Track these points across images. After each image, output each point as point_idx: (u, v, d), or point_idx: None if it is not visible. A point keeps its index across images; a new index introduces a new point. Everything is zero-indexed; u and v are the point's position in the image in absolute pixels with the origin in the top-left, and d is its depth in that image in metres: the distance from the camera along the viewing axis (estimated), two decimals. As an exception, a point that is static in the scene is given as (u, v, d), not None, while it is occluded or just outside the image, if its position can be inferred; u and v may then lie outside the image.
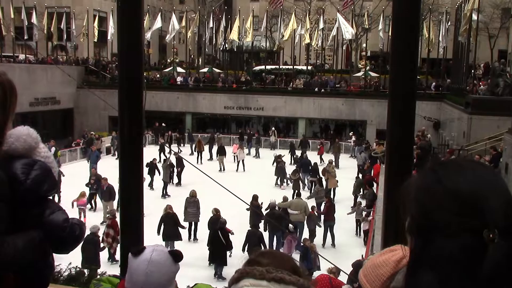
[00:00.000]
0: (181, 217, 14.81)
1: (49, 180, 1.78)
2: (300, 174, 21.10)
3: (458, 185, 0.92)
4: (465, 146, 20.55)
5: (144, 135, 25.48)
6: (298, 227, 14.81)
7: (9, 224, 1.68)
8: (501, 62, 24.31)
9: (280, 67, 37.23)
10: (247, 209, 14.18)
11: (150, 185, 20.64)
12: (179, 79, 36.35)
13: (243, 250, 12.87)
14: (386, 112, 2.88)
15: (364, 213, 16.21)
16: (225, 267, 12.72)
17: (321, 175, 20.45)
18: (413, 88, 2.92)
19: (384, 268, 1.15)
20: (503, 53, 39.96)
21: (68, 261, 6.29)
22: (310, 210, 15.36)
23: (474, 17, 24.32)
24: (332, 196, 18.74)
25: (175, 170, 21.55)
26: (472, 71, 27.24)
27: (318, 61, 44.42)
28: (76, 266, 6.56)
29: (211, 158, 27.57)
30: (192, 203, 15.29)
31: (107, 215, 14.29)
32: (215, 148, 27.41)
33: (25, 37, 36.51)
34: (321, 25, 34.84)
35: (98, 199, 18.36)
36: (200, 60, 44.48)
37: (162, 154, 25.30)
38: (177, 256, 1.96)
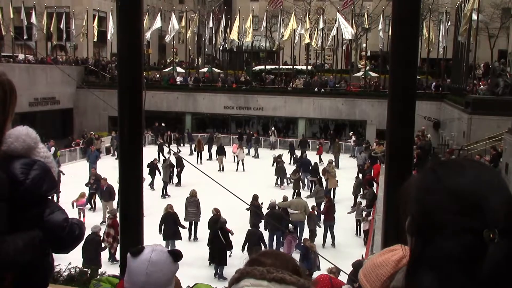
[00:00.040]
0: (181, 216, 14.83)
1: (48, 180, 1.78)
2: (300, 174, 21.11)
3: (458, 185, 0.92)
4: (465, 146, 20.56)
5: (144, 135, 25.51)
6: (298, 226, 14.83)
7: (9, 224, 1.68)
8: (501, 62, 24.28)
9: (280, 67, 37.23)
10: (247, 209, 14.19)
11: (151, 185, 20.65)
12: (178, 79, 36.35)
13: (243, 249, 12.88)
14: (386, 112, 2.88)
15: (364, 213, 16.21)
16: (226, 267, 12.73)
17: (321, 175, 20.46)
18: (413, 88, 2.92)
19: (384, 268, 1.15)
20: (503, 53, 39.99)
21: (68, 261, 6.28)
22: (311, 210, 15.38)
23: (474, 17, 24.32)
24: (332, 196, 18.74)
25: (175, 170, 21.56)
26: (472, 71, 27.25)
27: (318, 61, 44.43)
28: (76, 266, 6.55)
29: (210, 158, 27.59)
30: (192, 202, 15.32)
31: (108, 215, 14.30)
32: (214, 148, 27.42)
33: (25, 37, 36.50)
34: (321, 25, 34.83)
35: (97, 199, 18.35)
36: (199, 60, 44.47)
37: (160, 154, 25.28)
38: (176, 256, 1.96)
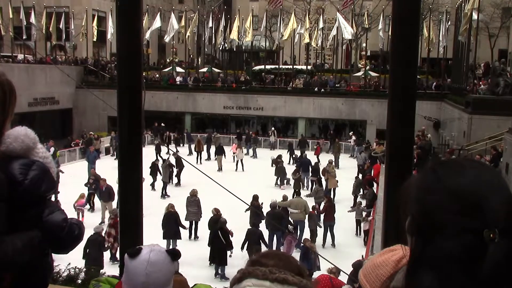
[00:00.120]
0: (182, 216, 14.85)
1: (47, 180, 1.78)
2: (300, 174, 21.12)
3: (459, 185, 0.92)
4: (466, 146, 20.56)
5: (144, 135, 25.48)
6: (298, 226, 14.84)
7: (7, 225, 1.68)
8: (501, 61, 24.27)
9: (280, 66, 37.23)
10: (246, 210, 14.20)
11: (152, 185, 20.66)
12: (178, 79, 36.34)
13: (242, 248, 12.90)
14: (386, 112, 2.87)
15: (364, 213, 16.21)
16: (227, 267, 12.73)
17: (321, 175, 20.46)
18: (413, 88, 2.92)
19: (384, 268, 1.15)
20: (504, 52, 39.98)
21: (67, 261, 6.27)
22: (311, 210, 15.38)
23: (475, 16, 24.32)
24: (332, 196, 18.74)
25: (174, 170, 21.56)
26: (473, 70, 27.24)
27: (318, 60, 44.44)
28: (75, 267, 6.54)
29: (208, 158, 27.59)
30: (193, 202, 15.34)
31: (110, 215, 14.32)
32: (212, 148, 27.41)
33: (24, 37, 36.48)
34: (321, 25, 34.83)
35: (96, 199, 18.35)
36: (199, 60, 44.48)
37: (158, 154, 25.17)
38: (175, 255, 1.95)
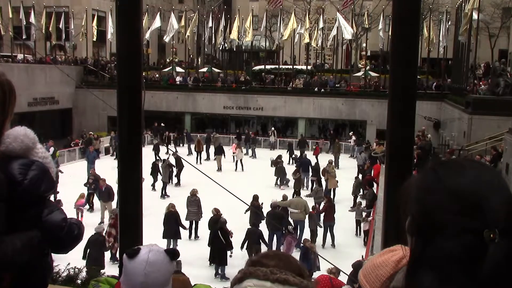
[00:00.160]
0: (183, 216, 14.85)
1: (46, 180, 1.78)
2: (301, 174, 21.11)
3: (459, 185, 0.92)
4: (466, 146, 20.56)
5: (143, 135, 25.46)
6: (298, 225, 14.84)
7: (7, 225, 1.67)
8: (501, 61, 24.27)
9: (280, 66, 37.22)
10: (246, 211, 14.19)
11: (153, 185, 20.66)
12: (178, 79, 36.33)
13: (242, 247, 12.90)
14: (386, 112, 2.87)
15: (364, 214, 16.21)
16: (227, 267, 12.74)
17: (321, 175, 20.45)
18: (413, 88, 2.92)
19: (384, 269, 1.15)
20: (504, 52, 39.98)
21: (67, 261, 6.27)
22: (311, 210, 15.38)
23: (475, 16, 24.31)
24: (332, 197, 18.74)
25: (174, 170, 21.56)
26: (473, 71, 27.24)
27: (318, 60, 44.43)
28: (75, 267, 6.53)
29: (208, 158, 27.59)
30: (193, 201, 15.35)
31: (110, 215, 14.32)
32: (211, 148, 27.39)
33: (24, 37, 36.46)
34: (321, 25, 34.82)
35: (95, 199, 18.34)
36: (199, 59, 44.46)
37: (157, 154, 25.11)
38: (173, 255, 1.95)
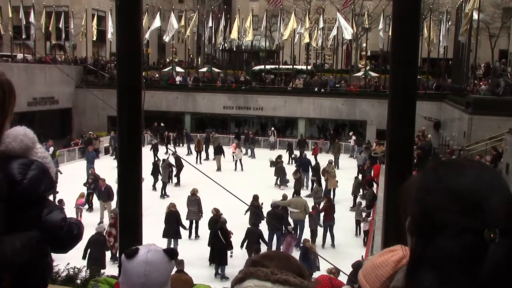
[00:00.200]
0: (183, 216, 14.86)
1: (46, 180, 1.78)
2: (301, 174, 21.11)
3: (459, 185, 0.92)
4: (466, 146, 20.56)
5: (143, 135, 25.45)
6: (298, 225, 14.83)
7: (6, 225, 1.67)
8: (502, 62, 24.27)
9: (280, 66, 37.22)
10: (246, 211, 14.19)
11: (153, 185, 20.66)
12: (178, 78, 36.32)
13: (241, 246, 12.90)
14: (386, 112, 2.87)
15: (364, 214, 16.21)
16: (227, 267, 12.74)
17: (320, 175, 20.45)
18: (414, 88, 2.92)
19: (384, 269, 1.15)
20: (504, 53, 39.98)
21: (67, 261, 6.27)
22: (311, 210, 15.38)
23: (475, 16, 24.31)
24: (332, 197, 18.75)
25: (174, 170, 21.56)
26: (473, 71, 27.24)
27: (318, 60, 44.43)
28: (75, 267, 6.54)
29: (207, 158, 27.59)
30: (193, 201, 15.36)
31: (111, 214, 14.32)
32: (211, 148, 27.38)
33: (23, 37, 36.43)
34: (321, 25, 34.83)
35: (95, 199, 18.34)
36: (199, 59, 44.44)
37: (155, 154, 25.05)
38: (172, 254, 1.95)
